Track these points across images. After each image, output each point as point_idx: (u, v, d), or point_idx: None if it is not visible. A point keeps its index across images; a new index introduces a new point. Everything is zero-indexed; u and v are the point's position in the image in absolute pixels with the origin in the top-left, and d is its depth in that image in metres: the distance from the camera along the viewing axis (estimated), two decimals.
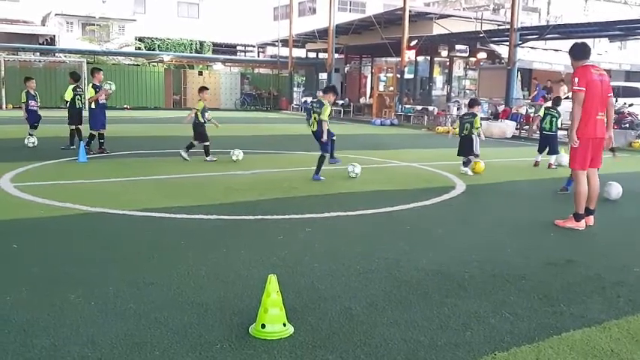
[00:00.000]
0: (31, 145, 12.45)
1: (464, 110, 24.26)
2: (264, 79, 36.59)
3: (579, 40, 6.89)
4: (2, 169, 9.16)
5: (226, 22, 44.69)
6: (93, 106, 11.64)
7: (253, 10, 47.21)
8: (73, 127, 12.33)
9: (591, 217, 6.53)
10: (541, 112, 11.32)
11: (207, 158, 10.95)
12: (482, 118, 21.58)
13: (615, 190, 8.09)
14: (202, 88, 11.59)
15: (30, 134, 12.74)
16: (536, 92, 24.54)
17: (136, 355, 3.08)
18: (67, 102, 12.35)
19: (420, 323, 3.60)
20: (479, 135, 10.37)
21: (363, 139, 17.14)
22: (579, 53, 6.47)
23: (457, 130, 10.57)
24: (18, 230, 5.65)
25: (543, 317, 3.76)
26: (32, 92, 13.05)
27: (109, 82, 12.34)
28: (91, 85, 11.80)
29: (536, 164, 11.49)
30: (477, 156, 10.42)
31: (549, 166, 11.32)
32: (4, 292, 3.91)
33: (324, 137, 8.99)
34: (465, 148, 10.37)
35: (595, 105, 6.21)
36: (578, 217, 6.46)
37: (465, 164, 10.27)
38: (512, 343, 3.36)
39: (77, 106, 12.36)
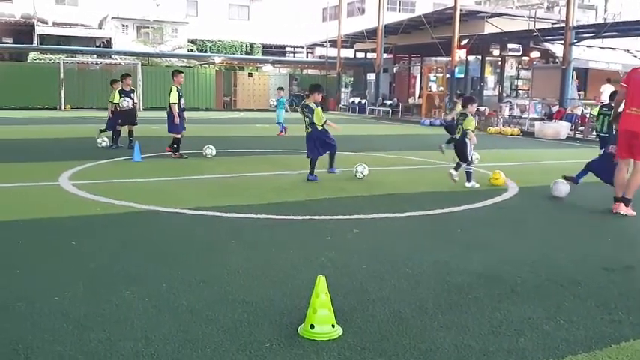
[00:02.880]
0: (103, 145, 12.72)
1: (516, 111, 23.82)
2: (312, 80, 36.71)
3: None
4: (61, 167, 9.52)
5: (276, 24, 45.14)
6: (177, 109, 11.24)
7: (302, 12, 47.51)
8: (123, 127, 12.80)
9: (621, 205, 7.02)
10: (595, 112, 10.58)
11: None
12: (534, 119, 21.38)
13: (564, 187, 8.11)
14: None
15: (102, 137, 12.95)
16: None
17: (188, 351, 3.15)
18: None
19: (471, 328, 3.53)
20: (469, 138, 8.89)
21: (411, 140, 16.97)
22: None
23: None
24: (76, 227, 5.85)
25: (600, 325, 3.63)
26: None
27: (210, 147, 11.78)
28: (175, 88, 11.18)
29: None
30: (469, 164, 8.94)
31: None
32: (63, 287, 4.06)
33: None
34: (458, 154, 9.05)
35: (629, 100, 6.91)
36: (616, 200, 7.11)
37: (456, 168, 8.95)
38: (567, 350, 3.26)
39: (126, 107, 12.81)
